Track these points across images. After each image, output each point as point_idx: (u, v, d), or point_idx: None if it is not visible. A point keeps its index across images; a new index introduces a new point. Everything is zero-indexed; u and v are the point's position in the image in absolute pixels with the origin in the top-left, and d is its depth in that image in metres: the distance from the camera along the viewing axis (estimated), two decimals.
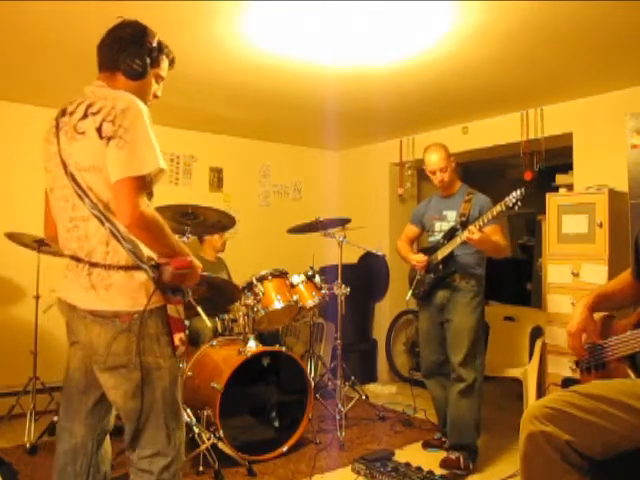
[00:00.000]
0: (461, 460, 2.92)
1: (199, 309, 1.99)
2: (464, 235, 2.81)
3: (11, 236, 3.34)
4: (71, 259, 1.66)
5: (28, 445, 3.16)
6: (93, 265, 1.57)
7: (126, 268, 1.56)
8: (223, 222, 3.04)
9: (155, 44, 1.72)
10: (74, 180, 1.56)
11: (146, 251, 1.58)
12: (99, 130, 1.51)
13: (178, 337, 1.64)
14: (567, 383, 1.94)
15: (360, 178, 5.56)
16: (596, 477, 1.45)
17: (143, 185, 1.51)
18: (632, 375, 1.63)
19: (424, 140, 4.77)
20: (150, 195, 1.65)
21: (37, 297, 3.39)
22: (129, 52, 1.66)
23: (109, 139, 1.50)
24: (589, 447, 1.43)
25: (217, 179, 5.01)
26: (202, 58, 3.12)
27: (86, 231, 1.58)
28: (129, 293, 1.56)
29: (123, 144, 1.49)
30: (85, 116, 1.56)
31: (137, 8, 2.49)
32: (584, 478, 1.43)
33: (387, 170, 5.31)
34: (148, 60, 1.69)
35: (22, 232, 3.32)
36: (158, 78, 1.78)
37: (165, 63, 1.79)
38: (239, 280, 4.30)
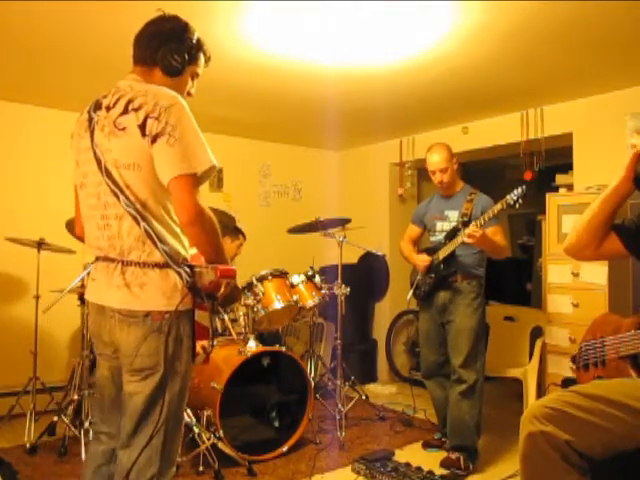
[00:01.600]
0: (461, 460, 2.92)
1: (226, 318, 1.93)
2: (466, 233, 2.81)
3: (11, 240, 3.34)
4: (98, 260, 1.62)
5: (28, 445, 3.15)
6: (127, 264, 1.53)
7: (161, 266, 1.52)
8: (223, 222, 3.03)
9: (195, 41, 1.68)
10: (110, 177, 1.52)
11: (182, 252, 1.56)
12: (142, 127, 1.47)
13: (201, 344, 1.60)
14: (567, 383, 1.94)
15: (360, 178, 5.56)
16: (596, 477, 1.45)
17: (198, 183, 1.49)
18: (634, 375, 1.63)
19: (424, 140, 4.77)
20: None
21: (37, 297, 3.39)
22: (169, 48, 1.61)
23: (155, 137, 1.46)
24: (589, 447, 1.43)
25: (217, 179, 5.01)
26: None
27: (119, 229, 1.54)
28: (164, 292, 1.52)
29: (173, 141, 1.46)
30: (126, 111, 1.51)
31: (135, 8, 2.49)
32: (584, 478, 1.43)
33: (387, 170, 5.31)
34: (187, 57, 1.65)
35: (21, 237, 3.33)
36: (194, 75, 1.74)
37: (202, 60, 1.74)
38: (239, 280, 4.30)
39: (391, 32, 2.77)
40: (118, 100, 1.55)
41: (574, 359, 1.87)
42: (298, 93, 3.77)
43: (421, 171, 5.19)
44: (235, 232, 4.10)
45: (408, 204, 5.27)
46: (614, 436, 1.44)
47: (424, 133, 4.91)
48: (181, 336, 1.56)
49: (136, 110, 1.49)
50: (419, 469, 2.79)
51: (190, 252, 1.63)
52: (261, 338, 3.45)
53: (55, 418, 3.30)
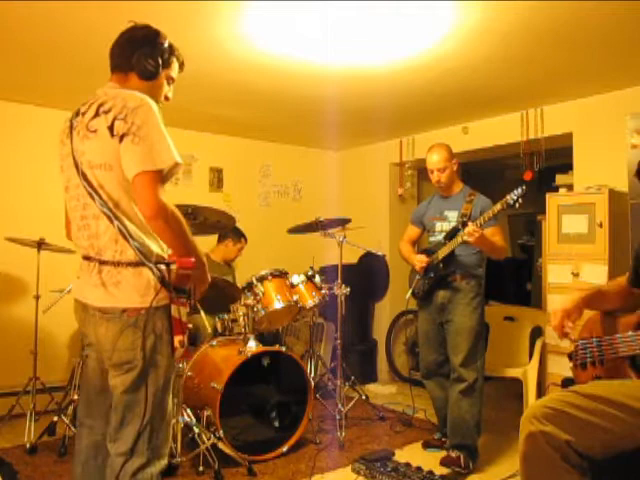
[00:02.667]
0: (461, 459, 2.92)
1: (202, 313, 1.97)
2: (465, 232, 2.81)
3: (10, 239, 3.34)
4: (83, 259, 1.69)
5: (28, 445, 3.15)
6: (103, 263, 1.60)
7: (135, 264, 1.58)
8: (223, 222, 3.03)
9: (167, 45, 1.76)
10: (85, 179, 1.60)
11: (155, 250, 1.61)
12: (111, 128, 1.55)
13: (178, 339, 1.65)
14: (567, 383, 1.94)
15: (360, 178, 5.56)
16: (596, 477, 1.45)
17: (161, 179, 1.55)
18: (632, 375, 1.63)
19: (424, 140, 4.77)
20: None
21: (37, 297, 3.39)
22: (142, 52, 1.70)
23: (122, 136, 1.53)
24: (589, 447, 1.43)
25: (217, 179, 5.01)
26: (202, 58, 3.12)
27: (97, 229, 1.61)
28: (138, 290, 1.58)
29: (138, 140, 1.52)
30: (97, 115, 1.59)
31: (137, 8, 2.49)
32: (584, 478, 1.43)
33: (387, 170, 5.31)
34: (160, 61, 1.73)
35: (21, 237, 3.33)
36: (169, 79, 1.82)
37: (176, 65, 1.82)
38: (240, 281, 4.30)
39: (391, 32, 2.77)
40: (91, 105, 1.64)
41: (571, 356, 1.87)
42: (298, 93, 3.77)
43: (421, 171, 5.19)
44: (237, 235, 4.15)
45: (408, 204, 5.27)
46: (614, 436, 1.44)
47: (424, 133, 4.91)
48: (159, 331, 1.62)
49: (106, 112, 1.58)
50: (419, 469, 2.79)
51: (168, 251, 1.68)
52: (261, 338, 3.45)
53: (55, 418, 3.30)
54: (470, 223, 2.83)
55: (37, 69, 3.32)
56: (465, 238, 2.82)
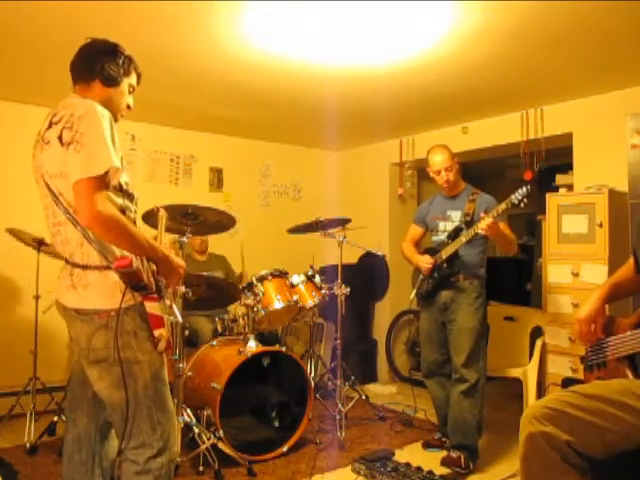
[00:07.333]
0: (462, 459, 2.92)
1: (174, 306, 1.97)
2: (482, 224, 2.75)
3: (11, 231, 3.35)
4: (64, 261, 1.76)
5: (28, 445, 3.15)
6: (75, 266, 1.66)
7: (100, 268, 1.63)
8: (223, 222, 3.03)
9: (126, 54, 1.82)
10: (49, 188, 1.65)
11: (119, 252, 1.64)
12: (60, 138, 1.59)
13: (158, 333, 1.67)
14: (567, 383, 1.94)
15: (360, 178, 5.56)
16: (596, 477, 1.45)
17: (101, 185, 1.55)
18: (630, 375, 1.63)
19: (424, 140, 4.77)
20: (132, 197, 1.73)
21: (37, 297, 3.39)
22: (105, 60, 1.75)
23: (69, 145, 1.56)
24: (589, 447, 1.43)
25: (217, 179, 5.01)
26: (202, 58, 3.13)
27: (66, 235, 1.67)
28: (104, 292, 1.63)
29: (80, 148, 1.55)
30: (50, 126, 1.64)
31: (137, 8, 2.49)
32: (584, 478, 1.43)
33: (387, 170, 5.31)
34: (122, 69, 1.79)
35: (22, 230, 3.33)
36: (130, 88, 1.86)
37: (134, 75, 1.87)
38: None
39: (391, 32, 2.77)
40: (47, 117, 1.68)
41: (582, 359, 1.87)
42: (298, 93, 3.77)
43: (421, 171, 5.19)
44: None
45: (408, 204, 5.28)
46: (614, 436, 1.44)
47: (424, 133, 4.91)
48: (132, 329, 1.65)
49: (56, 123, 1.62)
50: (419, 469, 2.79)
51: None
52: (261, 338, 3.45)
53: (55, 418, 3.31)
54: (484, 214, 2.80)
55: (38, 69, 3.32)
56: (481, 232, 2.78)
